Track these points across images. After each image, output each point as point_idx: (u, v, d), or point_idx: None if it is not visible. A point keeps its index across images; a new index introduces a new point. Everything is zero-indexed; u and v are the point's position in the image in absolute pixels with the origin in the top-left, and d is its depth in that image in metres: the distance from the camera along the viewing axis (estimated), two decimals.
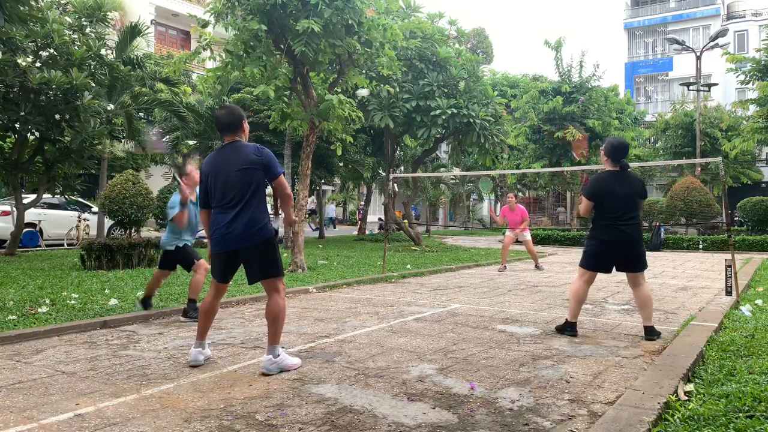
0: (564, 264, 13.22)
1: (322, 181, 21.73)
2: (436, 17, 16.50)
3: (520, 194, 38.70)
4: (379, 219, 31.68)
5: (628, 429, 2.91)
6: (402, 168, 22.97)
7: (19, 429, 3.07)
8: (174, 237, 6.09)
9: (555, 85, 22.92)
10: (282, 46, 9.96)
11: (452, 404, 3.46)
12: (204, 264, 5.96)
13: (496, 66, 52.24)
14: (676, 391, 3.49)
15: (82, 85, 11.67)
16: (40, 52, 12.39)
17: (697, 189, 19.00)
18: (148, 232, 16.59)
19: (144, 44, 17.29)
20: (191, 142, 19.48)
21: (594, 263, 5.31)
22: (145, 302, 6.26)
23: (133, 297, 6.97)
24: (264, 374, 4.04)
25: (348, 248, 16.29)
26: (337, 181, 28.56)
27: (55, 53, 12.26)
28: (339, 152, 13.70)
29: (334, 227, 35.30)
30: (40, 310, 6.07)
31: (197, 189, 5.52)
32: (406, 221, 18.57)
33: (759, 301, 6.97)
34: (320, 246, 17.13)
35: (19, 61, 11.85)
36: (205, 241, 5.29)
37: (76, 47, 12.65)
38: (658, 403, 3.26)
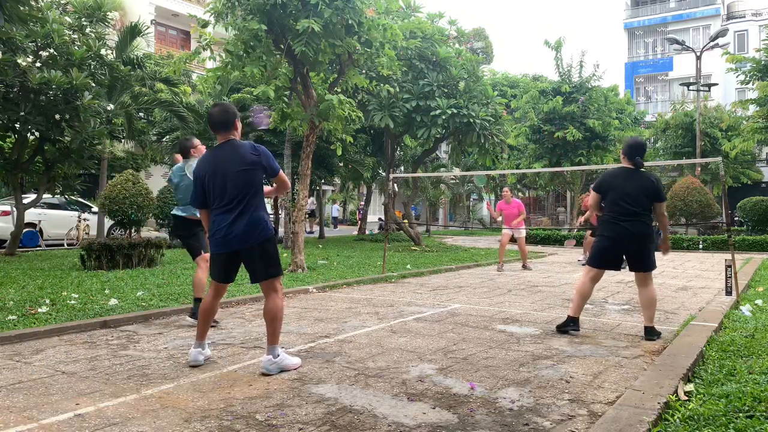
0: (564, 264, 13.23)
1: (322, 181, 21.73)
2: (436, 17, 16.50)
3: (520, 194, 38.73)
4: (379, 219, 31.68)
5: (628, 429, 2.91)
6: (402, 168, 22.98)
7: (19, 429, 3.07)
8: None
9: (555, 85, 22.93)
10: (282, 46, 9.96)
11: (452, 404, 3.46)
12: (206, 257, 5.79)
13: (496, 66, 52.28)
14: (676, 391, 3.49)
15: (82, 85, 11.66)
16: (40, 52, 12.39)
17: (697, 189, 19.01)
18: (148, 232, 16.59)
19: (144, 44, 17.30)
20: None
21: (599, 260, 5.32)
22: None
23: (133, 297, 6.98)
24: (264, 374, 4.04)
25: (348, 248, 16.29)
26: (337, 181, 28.56)
27: (55, 53, 12.25)
28: (339, 152, 13.69)
29: (335, 227, 35.34)
30: (40, 310, 6.07)
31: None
32: (406, 221, 18.57)
33: (759, 301, 6.97)
34: (320, 246, 17.13)
35: (19, 61, 11.85)
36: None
37: (76, 47, 12.64)
38: (658, 403, 3.26)
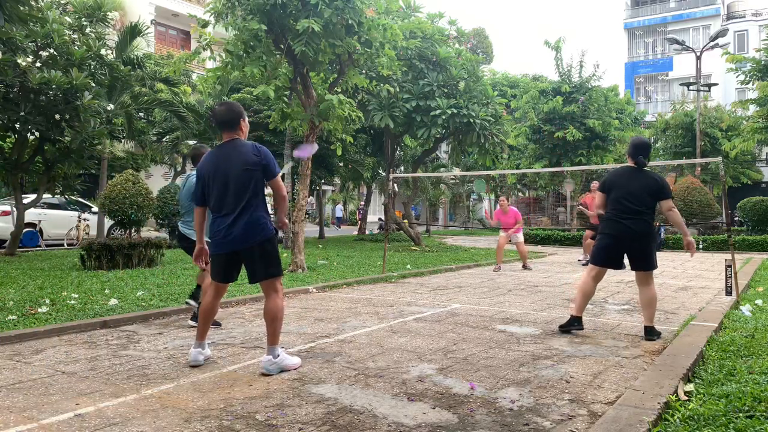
0: (564, 264, 13.23)
1: (322, 181, 21.73)
2: (436, 17, 16.50)
3: (520, 194, 38.73)
4: (379, 219, 31.67)
5: (628, 429, 2.91)
6: (402, 168, 22.97)
7: (19, 429, 3.07)
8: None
9: (555, 85, 22.92)
10: (282, 46, 9.96)
11: (452, 404, 3.46)
12: None
13: (496, 66, 52.28)
14: (676, 391, 3.49)
15: (82, 85, 11.66)
16: (40, 52, 12.39)
17: (697, 189, 19.01)
18: (148, 232, 16.59)
19: (144, 44, 17.30)
20: (191, 142, 19.49)
21: (600, 258, 5.32)
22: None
23: (133, 297, 6.97)
24: (264, 374, 4.04)
25: (348, 248, 16.29)
26: (337, 181, 28.56)
27: (55, 53, 12.25)
28: (339, 152, 13.69)
29: (338, 227, 35.34)
30: (40, 310, 6.07)
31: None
32: (406, 221, 18.57)
33: (759, 301, 6.97)
34: (320, 246, 17.13)
35: (19, 61, 11.84)
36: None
37: (76, 47, 12.64)
38: (658, 403, 3.26)
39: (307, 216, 22.97)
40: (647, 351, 4.78)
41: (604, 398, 3.57)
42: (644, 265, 5.19)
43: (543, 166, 22.29)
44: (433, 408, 3.40)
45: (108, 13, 14.04)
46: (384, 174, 21.23)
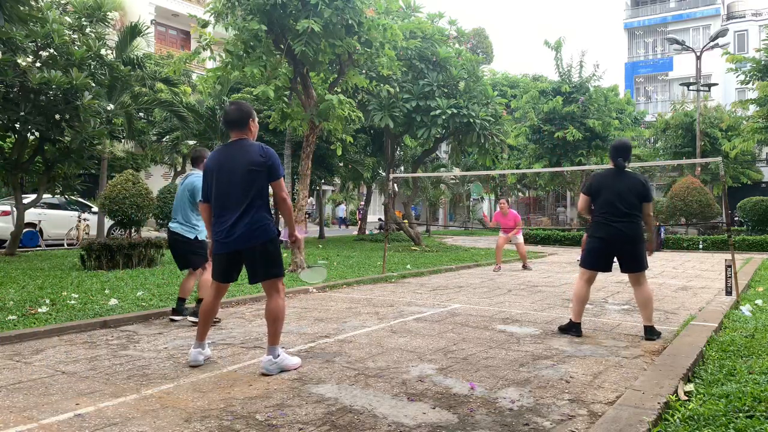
0: (564, 264, 13.23)
1: (322, 181, 21.73)
2: (436, 17, 16.50)
3: (520, 194, 38.72)
4: (379, 219, 31.68)
5: (628, 429, 2.91)
6: (402, 168, 22.97)
7: (19, 429, 3.07)
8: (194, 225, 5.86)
9: (555, 85, 22.92)
10: (282, 46, 9.96)
11: (452, 404, 3.46)
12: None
13: (496, 66, 52.28)
14: (676, 391, 3.49)
15: (82, 85, 11.66)
16: (40, 52, 12.39)
17: (697, 189, 19.01)
18: (148, 232, 16.59)
19: (144, 44, 17.30)
20: (191, 142, 19.50)
21: (591, 261, 5.32)
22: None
23: (133, 297, 6.97)
24: (264, 374, 4.04)
25: (348, 248, 16.29)
26: (337, 181, 28.56)
27: (55, 53, 12.25)
28: (339, 152, 13.70)
29: (340, 227, 35.32)
30: (40, 310, 6.07)
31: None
32: (406, 221, 18.56)
33: (759, 301, 6.97)
34: (320, 246, 17.13)
35: (19, 61, 11.84)
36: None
37: (76, 47, 12.64)
38: (658, 403, 3.26)
39: (307, 216, 22.98)
40: (647, 351, 4.78)
41: (604, 398, 3.57)
42: (636, 266, 5.18)
43: (543, 166, 22.29)
44: (433, 408, 3.40)
45: (108, 13, 14.03)
46: (384, 174, 21.23)
